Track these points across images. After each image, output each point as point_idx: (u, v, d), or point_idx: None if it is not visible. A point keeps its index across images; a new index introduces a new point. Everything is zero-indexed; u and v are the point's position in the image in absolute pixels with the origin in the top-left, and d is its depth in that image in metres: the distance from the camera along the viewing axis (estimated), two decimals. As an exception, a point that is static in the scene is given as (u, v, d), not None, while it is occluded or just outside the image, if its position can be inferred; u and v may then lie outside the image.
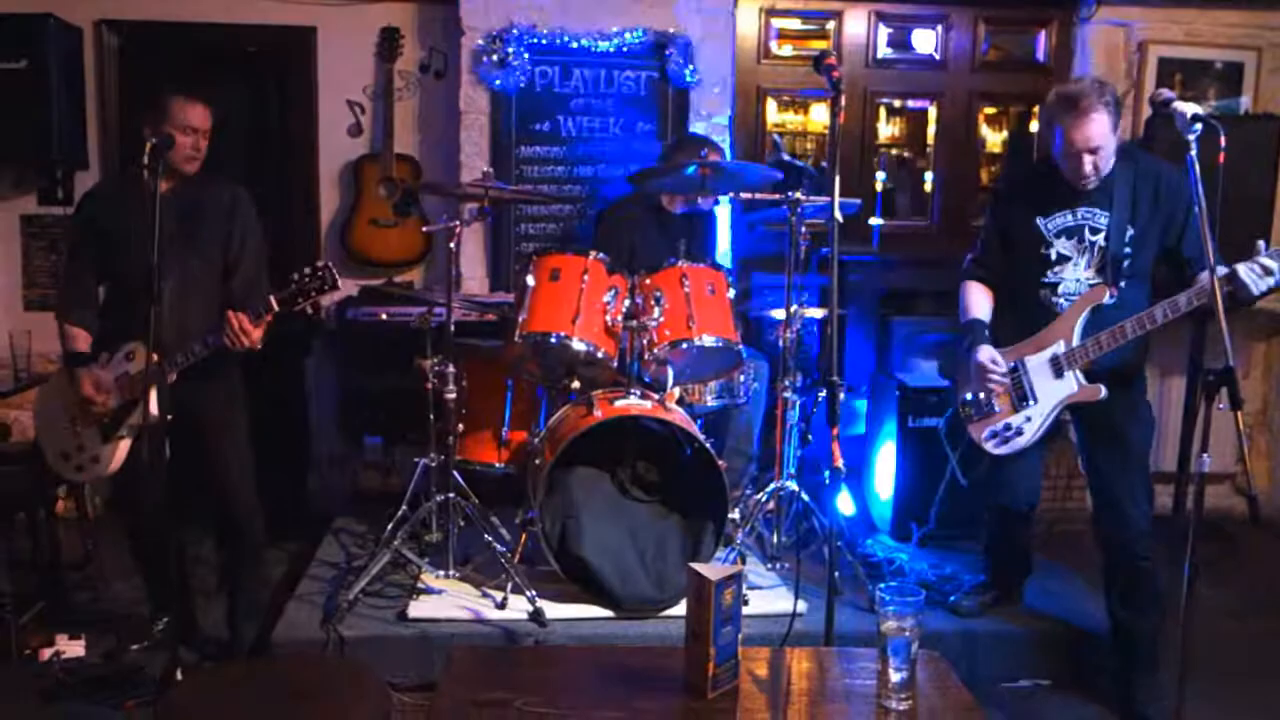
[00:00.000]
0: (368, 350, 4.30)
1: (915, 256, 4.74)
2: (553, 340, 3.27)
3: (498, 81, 4.47)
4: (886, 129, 5.11)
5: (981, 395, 3.10)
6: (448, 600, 3.30)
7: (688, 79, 4.55)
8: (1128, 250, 2.92)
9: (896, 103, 5.08)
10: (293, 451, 4.58)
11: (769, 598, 3.36)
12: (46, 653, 3.24)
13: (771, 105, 4.94)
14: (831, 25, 4.87)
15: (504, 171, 4.48)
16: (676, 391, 3.56)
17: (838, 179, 2.62)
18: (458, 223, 3.41)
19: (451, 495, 3.39)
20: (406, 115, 4.68)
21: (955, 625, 3.32)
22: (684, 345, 3.32)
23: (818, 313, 3.84)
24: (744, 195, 3.80)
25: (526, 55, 4.46)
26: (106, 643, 3.33)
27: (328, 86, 4.67)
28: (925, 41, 4.92)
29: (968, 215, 4.96)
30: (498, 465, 3.64)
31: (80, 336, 3.06)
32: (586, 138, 4.62)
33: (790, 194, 3.44)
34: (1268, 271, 2.63)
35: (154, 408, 2.82)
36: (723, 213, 4.43)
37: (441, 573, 3.43)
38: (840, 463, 2.60)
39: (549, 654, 2.80)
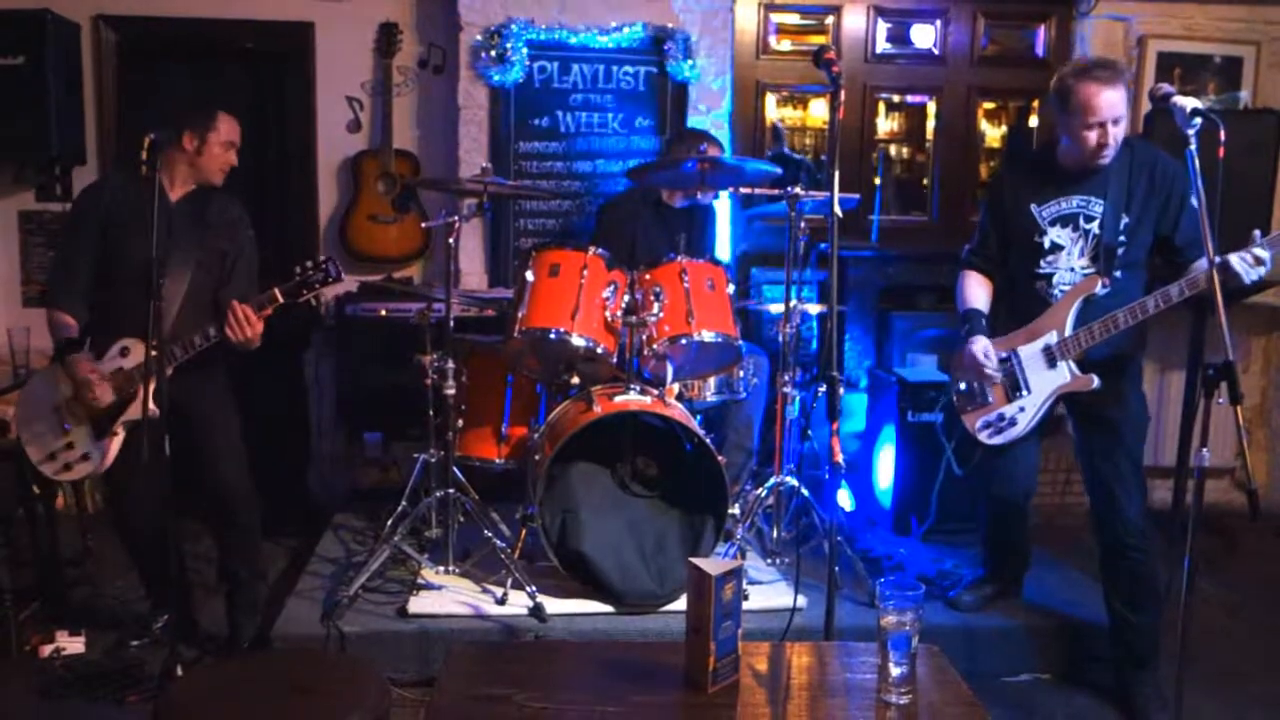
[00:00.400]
0: (367, 346, 4.30)
1: (914, 252, 4.74)
2: (552, 336, 3.27)
3: (496, 77, 4.46)
4: (885, 124, 5.11)
5: (975, 385, 3.11)
6: (447, 596, 3.30)
7: (687, 74, 4.54)
8: (1122, 239, 2.92)
9: (895, 98, 5.07)
10: (292, 448, 4.58)
11: (769, 593, 3.37)
12: (46, 649, 3.24)
13: (770, 100, 4.93)
14: (830, 20, 4.86)
15: (503, 167, 4.48)
16: (676, 387, 3.56)
17: (837, 174, 2.62)
18: (457, 218, 3.41)
19: (451, 491, 3.39)
20: (405, 111, 4.68)
21: (955, 620, 3.32)
22: (683, 341, 3.32)
23: (817, 308, 3.84)
24: (743, 191, 3.79)
25: (525, 50, 4.45)
26: (106, 639, 3.32)
27: (326, 82, 4.66)
28: (924, 36, 4.91)
29: (967, 210, 4.96)
30: (497, 461, 3.64)
31: (70, 324, 3.06)
32: (585, 133, 4.62)
33: (789, 189, 3.43)
34: (1259, 261, 2.63)
35: (151, 403, 2.82)
36: (722, 207, 4.43)
37: (441, 568, 3.43)
38: (840, 458, 2.60)
39: (549, 649, 2.80)
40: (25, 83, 4.16)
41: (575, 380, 3.46)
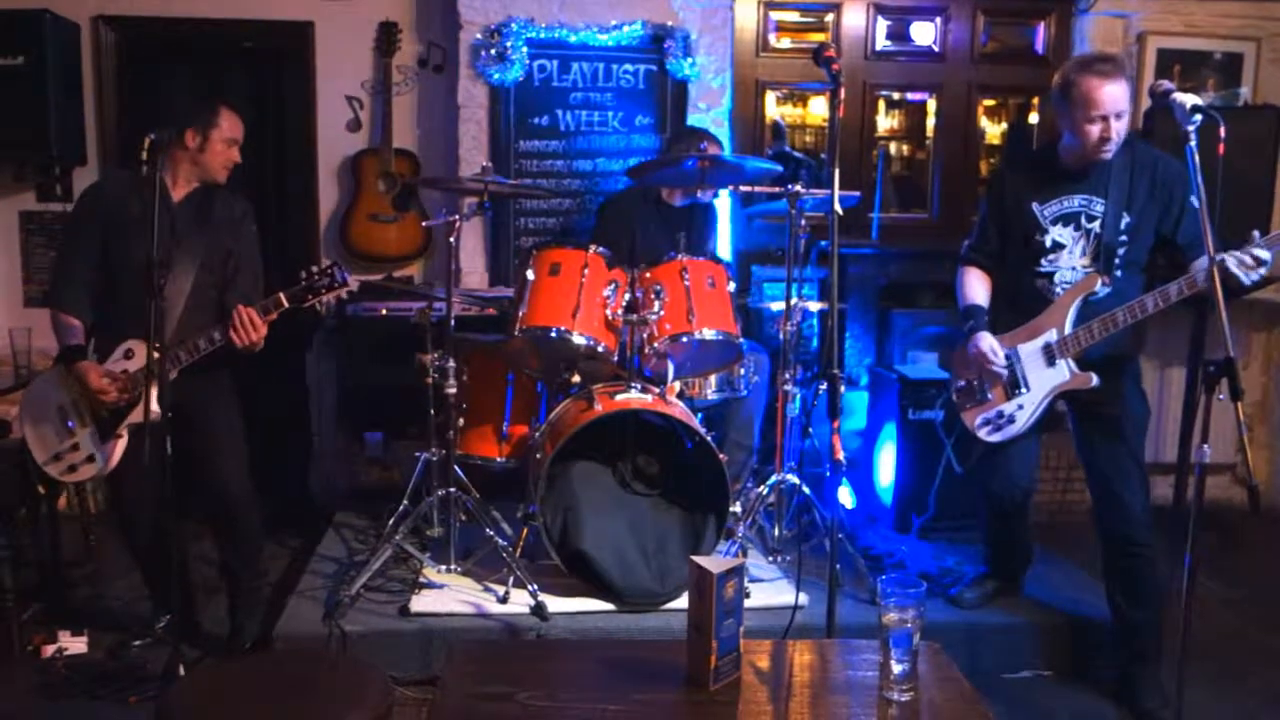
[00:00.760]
0: (368, 345, 4.30)
1: (915, 249, 4.73)
2: (553, 334, 3.27)
3: (496, 76, 4.46)
4: (886, 121, 5.11)
5: (975, 382, 3.11)
6: (449, 595, 3.30)
7: (686, 72, 4.54)
8: (1123, 238, 2.92)
9: (895, 95, 5.08)
10: (293, 447, 4.58)
11: (770, 590, 3.37)
12: (49, 649, 3.24)
13: (770, 98, 4.93)
14: (830, 18, 4.86)
15: (503, 166, 4.48)
16: (677, 385, 3.56)
17: (837, 172, 2.62)
18: (457, 217, 3.41)
19: (452, 490, 3.39)
20: (405, 110, 4.68)
21: (957, 617, 3.32)
22: (684, 339, 3.32)
23: (818, 305, 3.84)
24: (743, 189, 3.79)
25: (525, 49, 4.45)
26: (109, 639, 3.33)
27: (326, 81, 4.66)
28: (924, 33, 4.91)
29: (967, 208, 4.96)
30: (498, 460, 3.64)
31: (75, 327, 3.05)
32: (585, 131, 4.61)
33: (789, 187, 3.43)
34: (1260, 261, 2.62)
35: (155, 405, 2.82)
36: (723, 205, 4.43)
37: (443, 567, 3.44)
38: (841, 455, 2.61)
39: (551, 648, 2.80)
40: (25, 83, 4.17)
41: (576, 379, 3.46)
